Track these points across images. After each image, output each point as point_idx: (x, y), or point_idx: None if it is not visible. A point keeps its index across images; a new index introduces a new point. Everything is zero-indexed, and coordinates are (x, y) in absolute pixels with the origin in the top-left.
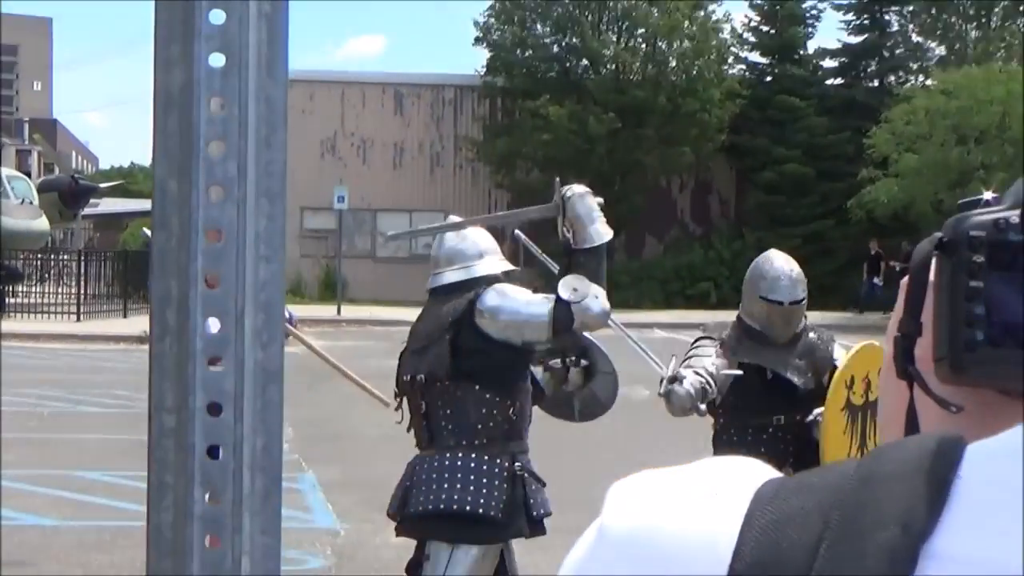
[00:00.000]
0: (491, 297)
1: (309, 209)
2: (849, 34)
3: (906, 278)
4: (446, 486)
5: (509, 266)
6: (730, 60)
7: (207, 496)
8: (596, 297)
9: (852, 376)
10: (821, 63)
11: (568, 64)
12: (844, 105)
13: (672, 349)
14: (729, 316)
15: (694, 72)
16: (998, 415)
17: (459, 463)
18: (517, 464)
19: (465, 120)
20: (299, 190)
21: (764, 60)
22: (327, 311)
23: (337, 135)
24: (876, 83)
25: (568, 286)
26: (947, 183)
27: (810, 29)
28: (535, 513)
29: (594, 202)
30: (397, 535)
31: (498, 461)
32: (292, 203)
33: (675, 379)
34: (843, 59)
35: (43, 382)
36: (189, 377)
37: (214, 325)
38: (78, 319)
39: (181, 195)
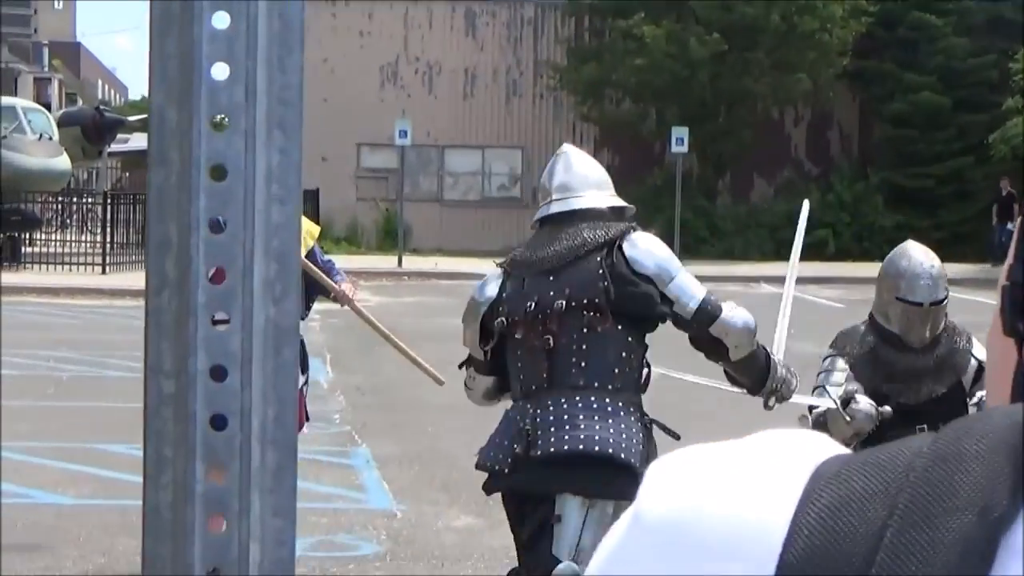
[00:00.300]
0: (627, 247)
1: (367, 145)
2: None
3: (1021, 219)
4: (582, 426)
5: (618, 201)
6: None
7: (211, 472)
8: (747, 314)
9: None
10: None
11: None
12: (988, 23)
13: (781, 306)
14: (847, 269)
15: None
16: None
17: (594, 404)
18: (647, 417)
19: (546, 42)
20: (356, 124)
21: None
22: (386, 262)
23: (400, 60)
24: None
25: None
26: None
27: None
28: None
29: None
30: (491, 491)
31: (631, 409)
32: (348, 139)
33: (848, 400)
34: None
35: (62, 342)
36: (190, 336)
37: (218, 276)
38: (103, 271)
39: (181, 126)
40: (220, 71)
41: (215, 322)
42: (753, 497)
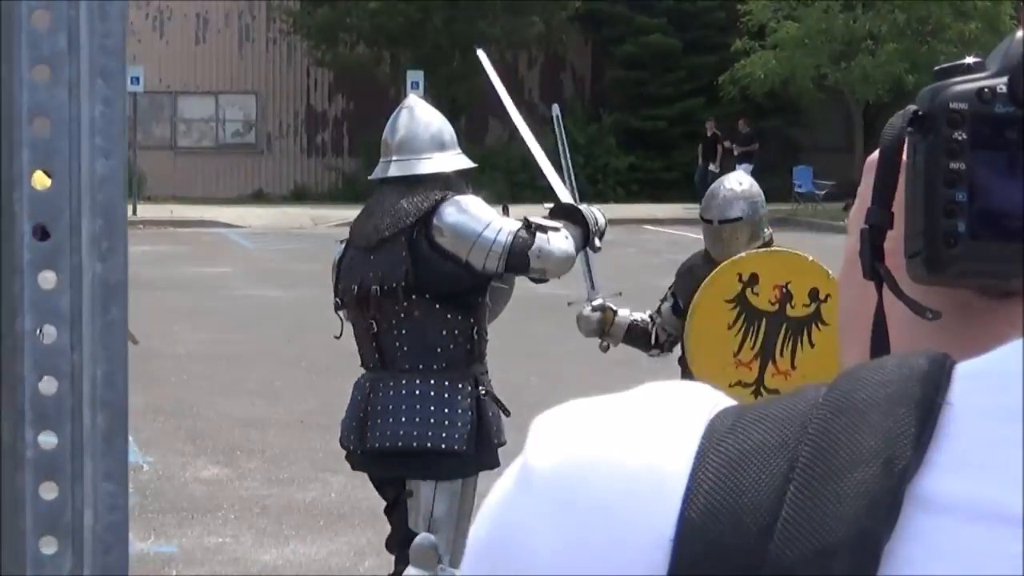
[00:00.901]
0: (449, 212)
1: None
2: None
3: (873, 156)
4: (403, 420)
5: (458, 163)
6: None
7: (41, 437)
8: (566, 238)
9: (756, 273)
10: None
11: None
12: None
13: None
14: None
15: None
16: (974, 319)
17: (417, 392)
18: (481, 388)
19: None
20: None
21: None
22: None
23: (129, 5)
24: None
25: (538, 219)
26: (831, 55)
27: None
28: (496, 441)
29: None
30: (353, 468)
31: (460, 387)
32: None
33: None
34: None
35: None
36: (16, 295)
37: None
38: None
39: None
40: (41, 18)
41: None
42: (648, 451)
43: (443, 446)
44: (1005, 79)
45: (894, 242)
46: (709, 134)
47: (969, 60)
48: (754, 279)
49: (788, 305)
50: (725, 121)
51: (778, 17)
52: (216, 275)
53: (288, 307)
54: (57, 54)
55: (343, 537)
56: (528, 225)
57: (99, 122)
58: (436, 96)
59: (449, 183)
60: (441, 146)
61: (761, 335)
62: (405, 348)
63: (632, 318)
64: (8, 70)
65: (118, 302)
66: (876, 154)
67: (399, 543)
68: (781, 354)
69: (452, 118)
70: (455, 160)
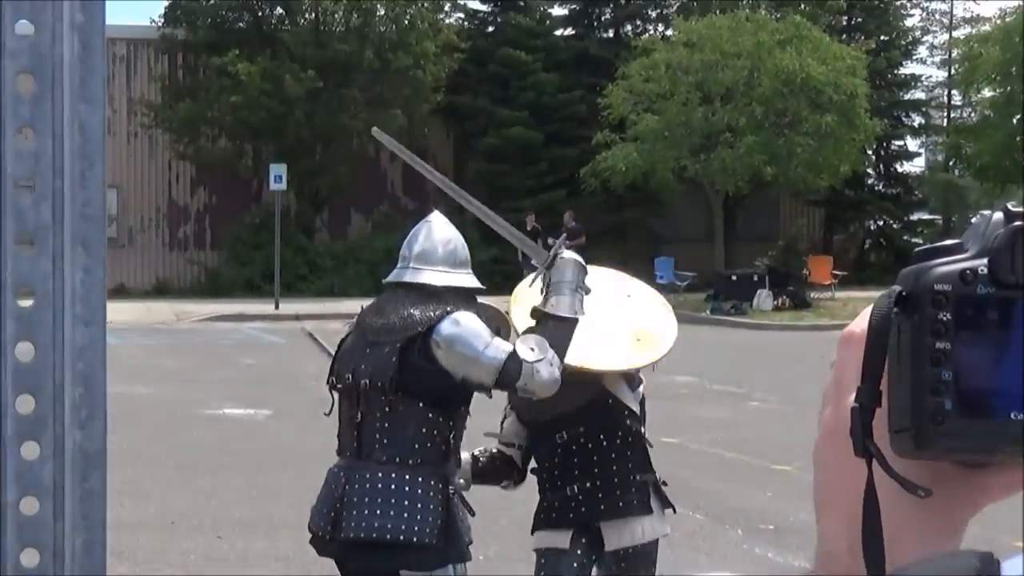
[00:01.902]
0: (447, 326)
1: None
2: None
3: (849, 331)
4: (378, 512)
5: (475, 283)
6: (446, 8)
7: None
8: (551, 364)
9: None
10: (549, 11)
11: (260, 13)
12: (575, 59)
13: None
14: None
15: (405, 22)
16: (949, 488)
17: (393, 485)
18: (451, 487)
19: (140, 80)
20: None
21: (485, 8)
22: None
23: None
24: (611, 34)
25: (527, 345)
26: (690, 147)
27: None
28: (466, 539)
29: (582, 274)
30: (320, 554)
31: (431, 483)
32: None
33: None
34: (573, 6)
35: None
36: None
37: (27, 403)
38: None
39: None
40: (23, 193)
41: None
42: None
43: (415, 539)
44: (985, 260)
45: (876, 418)
46: (529, 228)
47: (948, 242)
48: None
49: None
50: (587, 213)
51: (638, 110)
52: None
53: (153, 404)
54: (41, 225)
55: None
56: (523, 352)
57: (79, 290)
58: (299, 189)
59: (459, 299)
60: (456, 263)
61: None
62: (385, 441)
63: (485, 455)
64: None
65: (97, 471)
66: (853, 329)
67: None
68: None
69: (314, 211)
70: (465, 279)
